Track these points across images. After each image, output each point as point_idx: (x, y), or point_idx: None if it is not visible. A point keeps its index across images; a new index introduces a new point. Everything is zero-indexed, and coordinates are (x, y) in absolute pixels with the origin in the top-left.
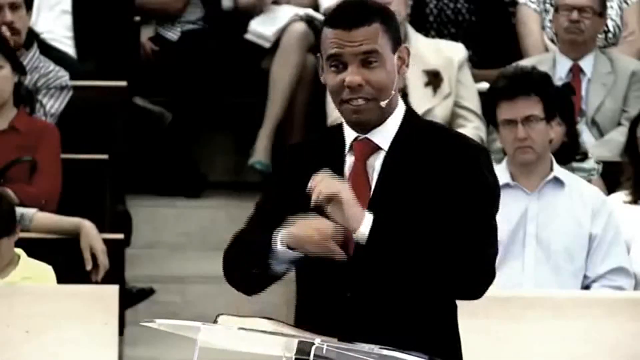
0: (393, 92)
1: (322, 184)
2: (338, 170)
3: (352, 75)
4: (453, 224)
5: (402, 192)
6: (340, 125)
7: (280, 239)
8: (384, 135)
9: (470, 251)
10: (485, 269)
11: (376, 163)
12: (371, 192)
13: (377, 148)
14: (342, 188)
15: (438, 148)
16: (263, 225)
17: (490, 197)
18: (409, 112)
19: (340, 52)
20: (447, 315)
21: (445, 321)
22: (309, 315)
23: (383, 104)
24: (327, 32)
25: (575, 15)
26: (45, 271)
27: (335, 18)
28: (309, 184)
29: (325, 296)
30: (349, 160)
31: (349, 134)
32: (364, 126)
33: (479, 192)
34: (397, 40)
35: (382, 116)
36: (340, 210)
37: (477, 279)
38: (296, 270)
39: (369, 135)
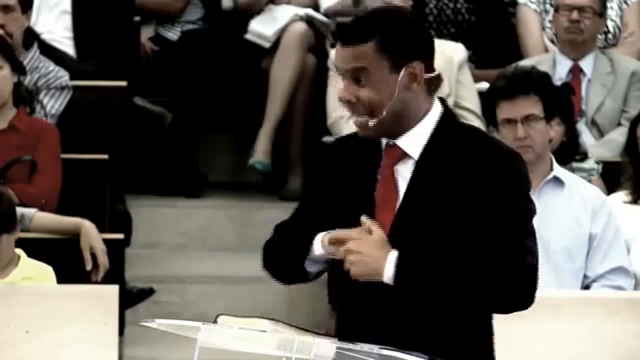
0: (385, 111)
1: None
2: (370, 175)
3: (341, 91)
4: (486, 239)
5: (432, 204)
6: None
7: (320, 240)
8: (414, 141)
9: (506, 265)
10: (526, 278)
11: (405, 170)
12: (399, 202)
13: (405, 154)
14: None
15: (471, 156)
16: (303, 223)
17: (523, 203)
18: (445, 116)
19: (336, 67)
20: (481, 322)
21: (479, 328)
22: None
23: (372, 122)
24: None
25: (575, 15)
26: (45, 271)
27: (337, 32)
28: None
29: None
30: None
31: (383, 139)
32: (376, 137)
33: (512, 203)
34: (404, 56)
35: (394, 127)
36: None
37: (519, 290)
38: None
39: (397, 142)
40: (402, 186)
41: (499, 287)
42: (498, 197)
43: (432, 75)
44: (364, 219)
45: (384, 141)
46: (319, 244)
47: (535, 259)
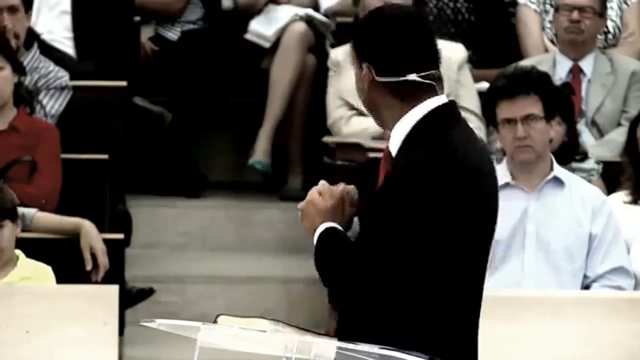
0: (362, 105)
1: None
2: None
3: None
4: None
5: (375, 200)
6: None
7: None
8: (394, 140)
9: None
10: (354, 277)
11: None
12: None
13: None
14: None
15: (412, 152)
16: None
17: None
18: (427, 117)
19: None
20: (450, 317)
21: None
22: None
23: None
24: None
25: (575, 15)
26: (44, 271)
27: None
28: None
29: None
30: None
31: None
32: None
33: (391, 207)
34: (362, 55)
35: (385, 122)
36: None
37: (344, 286)
38: None
39: (389, 142)
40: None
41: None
42: (386, 199)
43: (392, 79)
44: (322, 181)
45: None
46: None
47: (380, 262)
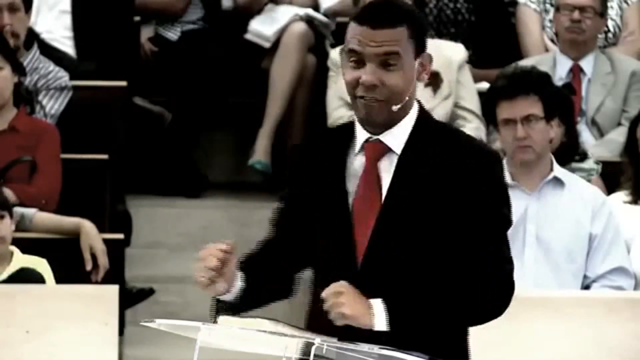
0: (407, 97)
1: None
2: (341, 171)
3: (368, 75)
4: (467, 247)
5: (415, 199)
6: (352, 124)
7: None
8: (397, 137)
9: (488, 278)
10: (506, 287)
11: (388, 166)
12: (383, 197)
13: (388, 150)
14: (344, 289)
15: (452, 154)
16: (283, 232)
17: (505, 211)
18: (422, 113)
19: (360, 50)
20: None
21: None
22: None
23: (395, 108)
24: (353, 27)
25: (576, 14)
26: (40, 262)
27: (364, 15)
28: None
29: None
30: (360, 160)
31: (361, 134)
32: (372, 125)
33: (495, 207)
34: (422, 46)
35: (393, 118)
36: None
37: (500, 301)
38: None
39: (381, 137)
40: (385, 180)
41: (483, 299)
42: (482, 203)
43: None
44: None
45: (362, 138)
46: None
47: (512, 265)
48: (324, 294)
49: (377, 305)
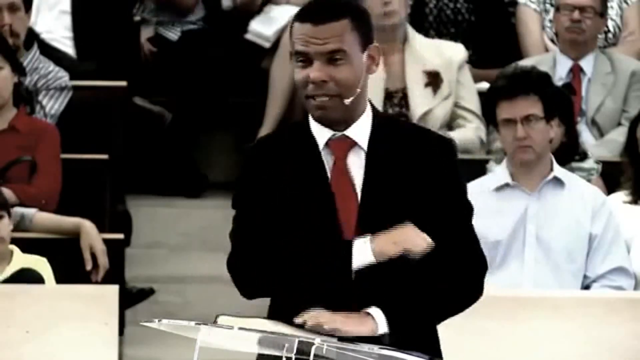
0: (359, 90)
1: (319, 320)
2: (316, 170)
3: (316, 72)
4: (443, 234)
5: (390, 193)
6: (304, 122)
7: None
8: (360, 132)
9: (469, 264)
10: (483, 270)
11: (357, 161)
12: (359, 194)
13: (354, 145)
14: (339, 321)
15: (415, 146)
16: (259, 233)
17: (466, 198)
18: (373, 108)
19: (306, 50)
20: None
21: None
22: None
23: (347, 101)
24: (296, 26)
25: (576, 14)
26: (40, 261)
27: (304, 12)
28: (299, 320)
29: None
30: (327, 159)
31: (320, 132)
32: (330, 123)
33: (460, 195)
34: (368, 38)
35: (350, 113)
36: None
37: (472, 298)
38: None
39: (347, 132)
40: (357, 176)
41: (462, 285)
42: (448, 191)
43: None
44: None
45: (322, 136)
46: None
47: (479, 245)
48: (299, 321)
49: (373, 311)
